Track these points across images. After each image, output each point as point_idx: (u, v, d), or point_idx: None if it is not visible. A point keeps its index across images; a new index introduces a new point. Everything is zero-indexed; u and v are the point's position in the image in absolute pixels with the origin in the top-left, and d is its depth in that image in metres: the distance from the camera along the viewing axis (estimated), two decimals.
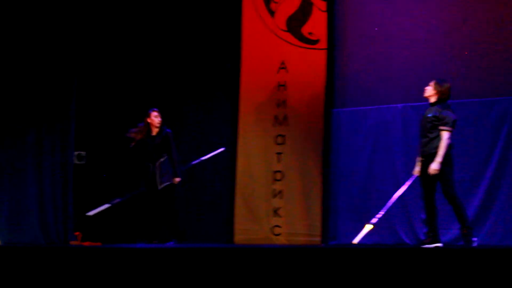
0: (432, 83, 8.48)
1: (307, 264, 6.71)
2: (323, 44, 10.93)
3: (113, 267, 7.29)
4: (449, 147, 8.27)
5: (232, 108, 11.42)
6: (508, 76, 9.67)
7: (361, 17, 10.87)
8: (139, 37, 11.88)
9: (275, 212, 11.02)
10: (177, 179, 9.98)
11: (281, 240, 10.91)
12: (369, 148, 10.54)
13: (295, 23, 11.17)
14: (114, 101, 11.87)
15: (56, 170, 9.78)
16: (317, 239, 10.63)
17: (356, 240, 8.89)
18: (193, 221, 11.25)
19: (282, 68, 11.18)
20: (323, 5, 10.96)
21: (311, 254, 6.89)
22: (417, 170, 8.60)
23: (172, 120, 10.60)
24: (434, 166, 8.21)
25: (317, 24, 11.01)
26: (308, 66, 10.99)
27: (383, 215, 8.85)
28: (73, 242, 10.13)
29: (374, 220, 8.73)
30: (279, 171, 11.08)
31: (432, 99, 8.46)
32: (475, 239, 8.26)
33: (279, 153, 11.11)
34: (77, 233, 10.85)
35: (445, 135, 8.25)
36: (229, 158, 11.29)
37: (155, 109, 10.08)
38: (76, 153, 11.11)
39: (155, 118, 10.02)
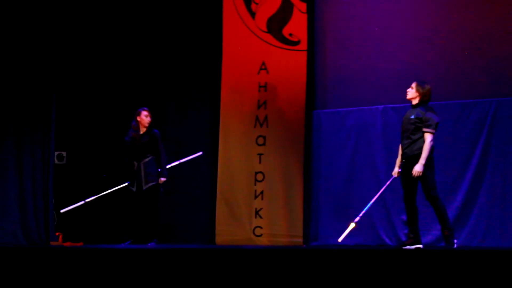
0: (413, 85, 8.52)
1: (289, 265, 6.73)
2: (303, 45, 10.95)
3: (94, 267, 7.28)
4: (432, 149, 8.31)
5: (213, 109, 11.41)
6: (487, 77, 9.72)
7: (341, 18, 10.90)
8: (119, 37, 11.84)
9: (257, 213, 11.02)
10: (163, 179, 9.94)
11: (263, 241, 10.91)
12: (349, 149, 10.57)
13: (276, 24, 11.18)
14: (94, 102, 11.84)
15: (37, 170, 9.72)
16: (298, 240, 10.65)
17: (341, 239, 8.92)
18: (175, 221, 11.22)
19: (263, 69, 11.19)
20: (303, 7, 10.98)
21: (292, 255, 6.91)
22: (396, 171, 8.64)
23: (153, 121, 10.57)
24: (418, 168, 8.24)
25: (297, 26, 11.03)
26: (288, 67, 11.01)
27: (364, 216, 8.87)
28: (54, 243, 10.07)
29: (357, 219, 8.75)
30: (260, 172, 11.09)
31: (414, 101, 8.49)
32: (455, 240, 8.30)
33: (260, 154, 11.11)
34: (58, 234, 10.81)
35: (428, 137, 8.28)
36: (210, 159, 11.28)
37: (146, 108, 10.03)
38: (56, 153, 11.07)
39: (145, 118, 9.97)
